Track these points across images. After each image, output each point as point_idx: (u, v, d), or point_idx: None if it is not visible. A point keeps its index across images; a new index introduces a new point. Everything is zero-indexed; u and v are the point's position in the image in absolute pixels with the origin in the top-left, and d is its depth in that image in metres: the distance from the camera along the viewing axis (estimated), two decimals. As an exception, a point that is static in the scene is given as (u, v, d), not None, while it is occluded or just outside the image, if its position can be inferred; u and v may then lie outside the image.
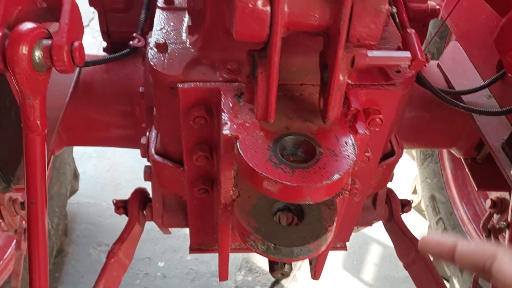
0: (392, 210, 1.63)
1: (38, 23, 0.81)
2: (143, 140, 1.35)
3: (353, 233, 1.56)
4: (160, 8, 1.26)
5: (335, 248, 1.59)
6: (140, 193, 1.57)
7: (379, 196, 1.54)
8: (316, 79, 1.07)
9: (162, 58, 1.09)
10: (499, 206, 1.70)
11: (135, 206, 1.53)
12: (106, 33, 1.62)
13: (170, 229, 1.66)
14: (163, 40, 1.12)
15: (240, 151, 0.91)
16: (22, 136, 0.92)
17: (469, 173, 1.76)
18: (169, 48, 1.12)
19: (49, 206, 2.12)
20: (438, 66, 1.69)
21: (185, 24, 1.21)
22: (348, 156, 0.92)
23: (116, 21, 1.60)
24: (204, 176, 1.25)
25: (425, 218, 2.78)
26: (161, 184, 1.35)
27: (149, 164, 1.44)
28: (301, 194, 0.88)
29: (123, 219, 1.61)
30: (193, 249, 1.51)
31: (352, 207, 1.40)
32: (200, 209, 1.36)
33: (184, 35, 1.17)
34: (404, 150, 1.42)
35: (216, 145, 1.17)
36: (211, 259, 2.65)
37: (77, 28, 0.84)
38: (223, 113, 0.98)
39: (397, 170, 1.45)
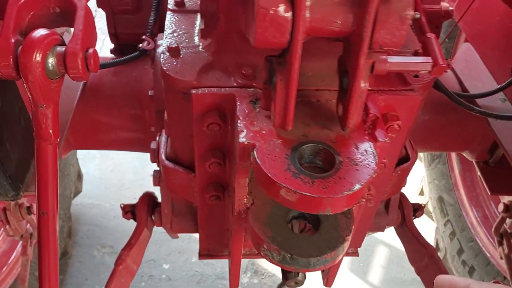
0: (404, 214, 1.61)
1: (51, 29, 0.78)
2: (153, 145, 1.33)
3: (361, 237, 1.54)
4: (171, 10, 1.23)
5: (346, 254, 1.56)
6: (148, 197, 1.55)
7: (392, 201, 1.52)
8: (332, 84, 1.05)
9: (175, 63, 1.07)
10: (512, 210, 1.68)
11: (143, 211, 1.51)
12: (113, 35, 1.59)
13: (178, 233, 1.64)
14: (176, 44, 1.10)
15: (257, 160, 0.88)
16: (31, 142, 0.90)
17: (481, 177, 1.73)
18: (181, 52, 1.09)
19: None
20: (451, 68, 1.67)
21: (197, 27, 1.18)
22: (369, 165, 0.90)
23: (124, 22, 1.57)
24: (216, 183, 1.23)
25: (432, 220, 2.76)
26: (171, 189, 1.32)
27: (155, 167, 1.41)
28: (321, 205, 0.85)
29: (127, 221, 1.59)
30: (203, 255, 1.49)
31: (366, 213, 1.38)
32: (211, 215, 1.34)
33: (196, 39, 1.14)
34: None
35: (229, 151, 1.14)
36: (216, 261, 2.64)
37: (91, 34, 0.81)
38: (238, 120, 0.96)
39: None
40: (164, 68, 1.05)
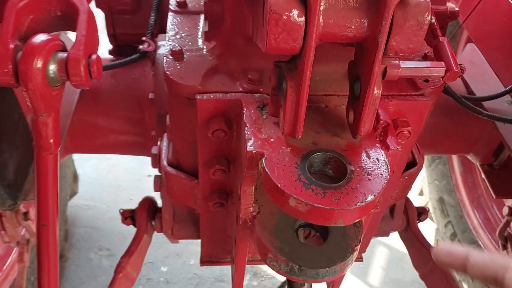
0: (408, 219, 1.58)
1: (52, 35, 0.74)
2: (154, 150, 1.29)
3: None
4: (173, 11, 1.19)
5: (351, 259, 1.54)
6: (148, 202, 1.51)
7: (397, 206, 1.50)
8: (341, 89, 1.02)
9: (178, 67, 1.03)
10: (517, 213, 1.66)
11: (143, 217, 1.47)
12: (112, 36, 1.55)
13: (178, 238, 1.61)
14: (179, 47, 1.06)
15: (266, 169, 0.85)
16: (30, 149, 0.86)
17: (486, 180, 1.71)
18: (185, 55, 1.06)
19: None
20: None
21: (200, 29, 1.14)
22: (381, 174, 0.87)
23: (123, 23, 1.53)
24: (219, 189, 1.19)
25: (432, 221, 2.74)
26: (172, 196, 1.29)
27: (151, 167, 1.37)
28: (333, 217, 0.82)
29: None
30: (204, 261, 1.45)
31: (372, 219, 1.35)
32: (213, 222, 1.31)
33: (200, 41, 1.10)
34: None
35: (234, 157, 1.11)
36: (215, 263, 2.60)
37: (93, 39, 0.78)
38: (246, 128, 0.92)
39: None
40: (167, 72, 1.01)
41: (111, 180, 3.01)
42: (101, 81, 1.47)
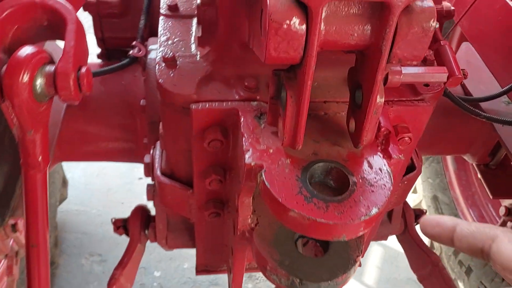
0: (406, 222, 1.56)
1: (39, 46, 0.70)
2: (147, 159, 1.25)
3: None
4: (164, 15, 1.15)
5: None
6: (140, 211, 1.47)
7: (395, 210, 1.47)
8: (340, 95, 0.98)
9: (172, 74, 0.99)
10: (514, 214, 1.64)
11: (136, 226, 1.43)
12: (101, 40, 1.50)
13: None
14: (171, 54, 1.02)
15: (266, 183, 0.81)
16: (17, 163, 0.82)
17: (482, 181, 1.70)
18: (178, 62, 1.02)
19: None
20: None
21: (193, 34, 1.10)
22: (385, 185, 0.84)
23: (112, 26, 1.48)
24: (215, 199, 1.16)
25: (426, 219, 2.73)
26: (166, 205, 1.25)
27: (142, 170, 1.33)
28: (336, 232, 0.79)
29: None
30: (200, 270, 1.42)
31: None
32: (209, 231, 1.27)
33: (193, 47, 1.06)
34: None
35: (230, 166, 1.07)
36: (209, 267, 2.57)
37: (83, 50, 0.73)
38: (243, 138, 0.89)
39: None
40: (160, 80, 0.97)
41: (101, 184, 2.95)
42: (90, 87, 1.41)
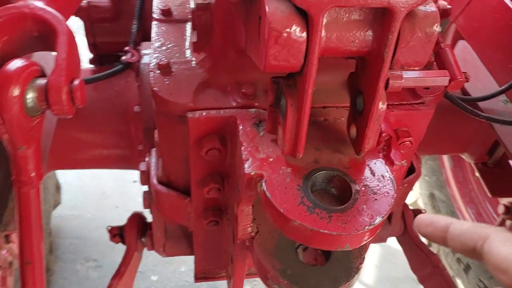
0: (405, 223, 1.55)
1: (29, 59, 0.67)
2: (143, 167, 1.22)
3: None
4: (157, 20, 1.12)
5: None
6: (137, 218, 1.44)
7: (395, 212, 1.46)
8: (339, 100, 0.97)
9: (167, 82, 0.96)
10: (513, 212, 1.64)
11: (132, 234, 1.40)
12: (93, 45, 1.47)
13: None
14: (166, 60, 0.99)
15: (267, 193, 0.79)
16: (8, 176, 0.79)
17: (481, 179, 1.69)
18: (172, 68, 0.99)
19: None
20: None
21: (187, 39, 1.08)
22: (388, 193, 0.82)
23: (104, 31, 1.45)
24: (213, 207, 1.13)
25: (423, 216, 2.72)
26: (163, 214, 1.23)
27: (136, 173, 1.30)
28: (339, 242, 0.77)
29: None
30: (199, 277, 1.40)
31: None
32: (208, 239, 1.25)
33: (188, 53, 1.04)
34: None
35: (228, 174, 1.05)
36: (206, 269, 2.54)
37: (75, 62, 0.71)
38: (242, 147, 0.87)
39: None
40: (155, 89, 0.94)
41: (95, 188, 2.91)
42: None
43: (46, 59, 0.84)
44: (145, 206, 1.30)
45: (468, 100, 1.41)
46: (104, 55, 1.52)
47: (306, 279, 0.92)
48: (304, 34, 0.67)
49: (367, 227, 0.76)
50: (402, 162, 0.88)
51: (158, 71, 0.98)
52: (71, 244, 2.60)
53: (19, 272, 0.81)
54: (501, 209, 1.65)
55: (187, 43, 1.06)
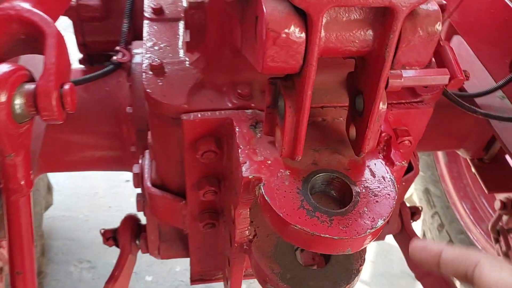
0: (402, 220, 1.54)
1: (16, 63, 0.64)
2: (136, 169, 1.20)
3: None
4: (148, 19, 1.09)
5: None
6: (130, 221, 1.42)
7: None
8: (337, 100, 0.94)
9: (160, 83, 0.94)
10: (509, 207, 1.63)
11: (126, 237, 1.38)
12: (82, 45, 1.44)
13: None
14: (158, 61, 0.97)
15: (266, 197, 0.77)
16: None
17: (477, 175, 1.68)
18: (166, 69, 0.96)
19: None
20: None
21: (180, 38, 1.05)
22: (389, 195, 0.81)
23: (94, 31, 1.42)
24: (210, 209, 1.11)
25: (418, 211, 2.72)
26: (158, 217, 1.20)
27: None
28: (341, 246, 0.76)
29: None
30: (195, 280, 1.38)
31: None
32: (204, 241, 1.23)
33: (181, 52, 1.01)
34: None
35: (224, 176, 1.03)
36: (202, 269, 2.52)
37: (65, 66, 0.68)
38: (239, 150, 0.84)
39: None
40: (148, 90, 0.92)
41: (87, 188, 2.87)
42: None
43: (35, 61, 0.81)
44: (139, 209, 1.28)
45: (465, 96, 1.40)
46: (95, 55, 1.49)
47: (306, 283, 0.90)
48: (303, 35, 0.65)
49: (368, 230, 0.75)
50: (403, 162, 0.87)
51: (151, 72, 0.95)
52: (64, 245, 2.56)
53: (9, 281, 0.78)
54: (497, 205, 1.65)
55: (180, 43, 1.04)
